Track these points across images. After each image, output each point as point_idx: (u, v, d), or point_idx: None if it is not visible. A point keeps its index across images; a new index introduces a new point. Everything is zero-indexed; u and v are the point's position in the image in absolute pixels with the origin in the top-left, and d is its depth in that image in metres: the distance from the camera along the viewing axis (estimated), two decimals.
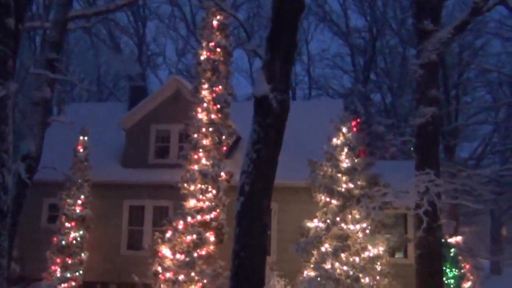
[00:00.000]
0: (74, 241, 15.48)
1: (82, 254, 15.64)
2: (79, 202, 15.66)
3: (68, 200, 15.57)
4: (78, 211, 15.61)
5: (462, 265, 19.68)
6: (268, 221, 9.34)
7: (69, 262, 15.35)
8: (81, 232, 15.63)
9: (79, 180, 15.63)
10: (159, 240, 14.49)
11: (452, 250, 18.59)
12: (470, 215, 26.36)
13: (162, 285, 14.21)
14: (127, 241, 16.47)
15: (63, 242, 15.37)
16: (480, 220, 30.35)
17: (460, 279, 19.13)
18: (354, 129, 14.62)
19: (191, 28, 30.33)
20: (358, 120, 15.24)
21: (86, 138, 15.97)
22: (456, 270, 18.88)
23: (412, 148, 24.67)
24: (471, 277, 20.28)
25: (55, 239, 15.52)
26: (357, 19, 35.23)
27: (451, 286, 17.77)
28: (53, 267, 15.39)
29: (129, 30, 29.83)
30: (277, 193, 15.62)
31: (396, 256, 15.46)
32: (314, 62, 33.33)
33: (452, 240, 19.06)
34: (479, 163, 28.41)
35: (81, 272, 15.60)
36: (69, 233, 15.49)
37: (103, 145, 17.28)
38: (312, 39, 33.07)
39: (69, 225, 15.50)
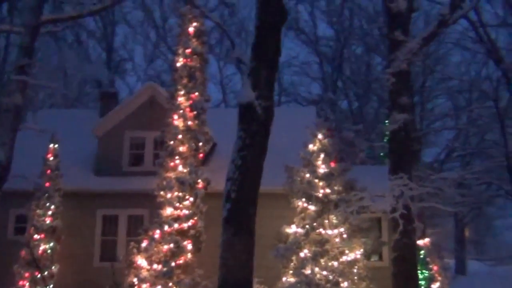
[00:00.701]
0: (44, 254, 15.00)
1: (53, 267, 15.13)
2: (49, 212, 15.13)
3: (38, 211, 15.08)
4: (48, 222, 15.10)
5: (430, 266, 20.14)
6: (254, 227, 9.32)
7: (39, 276, 14.67)
8: (51, 244, 15.05)
9: (50, 190, 15.24)
10: (135, 250, 14.29)
11: (422, 252, 19.01)
12: (434, 217, 26.99)
13: None
14: (100, 252, 16.01)
15: (32, 255, 14.85)
16: (444, 222, 31.19)
17: (429, 280, 19.58)
18: (329, 135, 14.86)
19: (161, 34, 30.19)
20: (329, 127, 15.40)
21: (56, 146, 15.57)
22: (426, 272, 19.33)
23: (381, 154, 25.25)
24: (439, 278, 20.74)
25: (23, 252, 14.88)
26: (326, 28, 35.65)
27: (422, 287, 18.14)
28: (21, 282, 14.68)
29: (96, 35, 29.40)
30: None
31: (372, 259, 15.70)
32: (283, 69, 33.65)
33: (420, 242, 19.47)
34: (442, 167, 29.14)
35: (51, 286, 15.03)
36: (39, 246, 14.88)
37: (74, 153, 16.89)
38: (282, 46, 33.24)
39: (38, 237, 14.97)
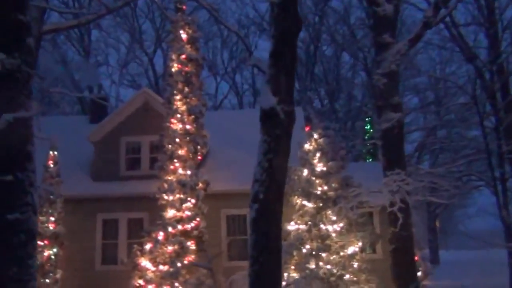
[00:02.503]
0: (48, 260, 15.20)
1: (57, 273, 15.34)
2: (52, 218, 15.37)
3: (41, 217, 15.25)
4: (51, 228, 15.37)
5: None
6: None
7: (43, 282, 15.01)
8: (54, 250, 15.29)
9: (51, 196, 15.41)
10: (138, 253, 14.63)
11: None
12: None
13: None
14: (101, 255, 16.23)
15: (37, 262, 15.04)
16: (416, 214, 32.39)
17: None
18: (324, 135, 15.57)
19: (136, 38, 30.27)
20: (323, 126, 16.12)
21: (56, 152, 15.77)
22: None
23: (364, 151, 26.28)
24: (420, 268, 21.78)
25: None
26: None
27: None
28: None
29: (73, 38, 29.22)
30: None
31: (366, 252, 16.49)
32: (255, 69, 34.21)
33: None
34: (418, 162, 30.37)
35: None
36: (43, 252, 15.09)
37: (70, 159, 17.02)
38: (257, 48, 33.92)
39: (42, 244, 15.21)
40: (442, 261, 34.57)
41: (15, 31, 8.16)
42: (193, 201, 14.84)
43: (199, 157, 15.58)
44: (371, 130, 26.32)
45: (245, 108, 33.19)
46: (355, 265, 14.28)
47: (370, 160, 24.93)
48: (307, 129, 16.17)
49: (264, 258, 9.26)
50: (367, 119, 27.05)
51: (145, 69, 32.54)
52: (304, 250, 14.05)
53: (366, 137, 26.15)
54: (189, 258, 14.50)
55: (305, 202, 14.52)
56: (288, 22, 9.80)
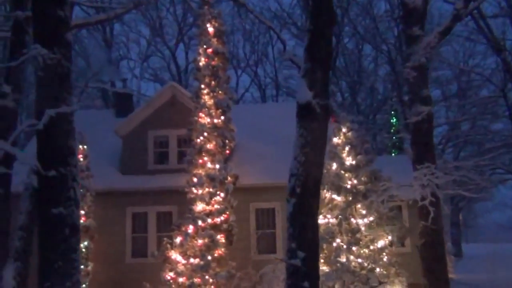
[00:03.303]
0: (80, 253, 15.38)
1: (88, 266, 15.53)
2: (83, 212, 15.56)
3: None
4: (82, 221, 15.51)
5: None
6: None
7: None
8: (85, 243, 15.44)
9: (82, 190, 15.55)
10: (168, 246, 14.74)
11: None
12: None
13: None
14: (131, 249, 16.38)
15: None
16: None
17: None
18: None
19: (158, 31, 30.36)
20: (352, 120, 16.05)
21: (85, 146, 15.91)
22: None
23: (389, 144, 26.16)
24: None
25: None
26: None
27: None
28: None
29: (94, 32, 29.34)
30: (279, 193, 16.30)
31: (395, 246, 16.41)
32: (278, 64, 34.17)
33: None
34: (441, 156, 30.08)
35: (87, 284, 15.42)
36: None
37: (98, 152, 17.15)
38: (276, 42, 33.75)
39: None
40: (468, 255, 34.31)
41: (54, 26, 8.24)
42: (222, 195, 14.88)
43: (227, 151, 15.59)
44: (397, 123, 26.15)
45: (268, 102, 33.19)
46: (385, 258, 14.25)
47: (396, 153, 24.78)
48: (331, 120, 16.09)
49: (302, 252, 9.26)
50: (392, 112, 26.90)
51: (167, 62, 32.73)
52: (334, 244, 14.03)
53: (391, 130, 26.01)
54: (219, 252, 14.57)
55: (334, 196, 14.47)
56: (323, 16, 9.76)
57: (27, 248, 13.32)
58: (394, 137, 25.04)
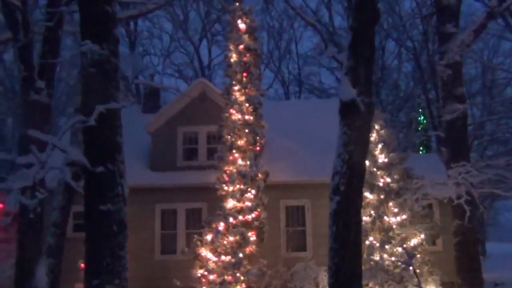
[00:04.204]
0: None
1: None
2: None
3: None
4: None
5: None
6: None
7: None
8: None
9: None
10: (198, 243, 14.69)
11: None
12: None
13: None
14: (160, 245, 16.34)
15: None
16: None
17: None
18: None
19: (182, 27, 30.32)
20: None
21: None
22: None
23: (417, 142, 25.93)
24: None
25: None
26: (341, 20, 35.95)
27: None
28: None
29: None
30: (309, 190, 16.36)
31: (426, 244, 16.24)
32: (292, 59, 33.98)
33: None
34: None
35: None
36: None
37: (127, 149, 16.99)
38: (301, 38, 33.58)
39: None
40: (492, 254, 33.89)
41: (102, 22, 8.20)
42: (253, 191, 14.78)
43: (258, 148, 15.49)
44: (425, 121, 25.91)
45: (291, 99, 33.06)
46: (417, 257, 14.09)
47: (424, 151, 24.55)
48: None
49: (345, 250, 9.16)
50: (420, 110, 26.67)
51: (190, 58, 32.68)
52: (367, 242, 13.91)
53: (419, 128, 25.80)
54: (250, 249, 14.49)
55: (367, 194, 14.34)
56: (367, 13, 9.64)
57: (60, 244, 13.36)
58: (422, 135, 24.80)
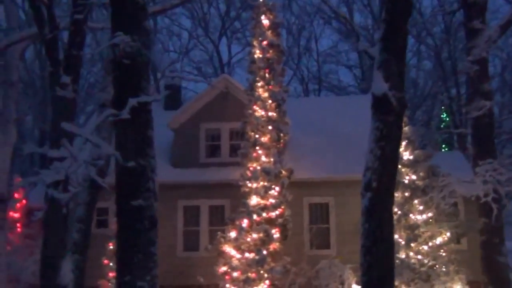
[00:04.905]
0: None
1: None
2: None
3: None
4: None
5: None
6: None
7: None
8: None
9: None
10: (222, 240, 14.49)
11: None
12: None
13: (229, 285, 14.20)
14: (183, 242, 16.19)
15: None
16: None
17: None
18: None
19: (202, 24, 30.19)
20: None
21: None
22: None
23: (439, 140, 25.55)
24: None
25: (110, 244, 15.11)
26: (360, 18, 35.56)
27: None
28: (111, 274, 15.02)
29: None
30: (333, 187, 16.10)
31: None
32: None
33: None
34: None
35: None
36: None
37: None
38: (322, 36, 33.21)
39: None
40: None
41: (134, 13, 8.00)
42: (277, 188, 14.55)
43: (282, 145, 15.24)
44: (447, 119, 25.50)
45: (310, 96, 32.74)
46: (443, 255, 13.78)
47: (446, 149, 24.15)
48: None
49: (377, 248, 8.89)
50: (442, 107, 26.28)
51: (210, 56, 32.46)
52: None
53: (441, 126, 25.40)
54: (273, 246, 14.27)
55: None
56: (400, 7, 9.38)
57: (85, 240, 13.25)
58: (447, 133, 24.39)
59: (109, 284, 14.89)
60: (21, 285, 15.68)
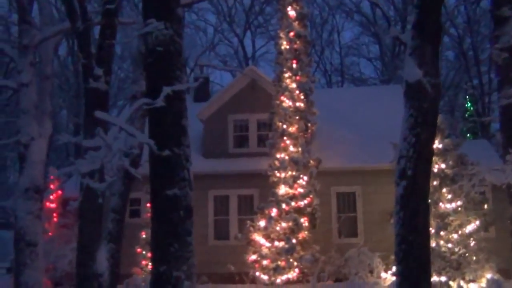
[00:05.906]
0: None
1: None
2: None
3: None
4: None
5: None
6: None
7: None
8: None
9: None
10: (251, 229, 14.16)
11: None
12: None
13: (259, 273, 13.87)
14: (214, 231, 15.89)
15: None
16: None
17: None
18: None
19: (226, 19, 29.83)
20: None
21: None
22: None
23: (465, 129, 24.82)
24: None
25: (143, 233, 14.92)
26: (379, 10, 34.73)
27: None
28: (144, 262, 14.79)
29: None
30: (359, 176, 15.58)
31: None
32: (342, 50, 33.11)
33: None
34: None
35: None
36: None
37: None
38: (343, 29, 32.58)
39: None
40: None
41: (166, 0, 7.60)
42: (305, 178, 14.16)
43: (309, 135, 14.80)
44: (471, 108, 24.72)
45: (333, 88, 32.17)
46: (472, 244, 13.22)
47: (471, 138, 23.39)
48: None
49: (413, 236, 8.39)
50: (467, 97, 25.49)
51: (235, 50, 32.12)
52: None
53: (466, 115, 24.65)
54: (302, 235, 13.87)
55: None
56: None
57: (119, 230, 12.98)
58: (473, 121, 23.66)
59: (142, 271, 14.71)
60: (58, 273, 15.55)
